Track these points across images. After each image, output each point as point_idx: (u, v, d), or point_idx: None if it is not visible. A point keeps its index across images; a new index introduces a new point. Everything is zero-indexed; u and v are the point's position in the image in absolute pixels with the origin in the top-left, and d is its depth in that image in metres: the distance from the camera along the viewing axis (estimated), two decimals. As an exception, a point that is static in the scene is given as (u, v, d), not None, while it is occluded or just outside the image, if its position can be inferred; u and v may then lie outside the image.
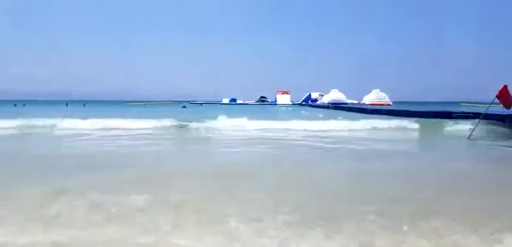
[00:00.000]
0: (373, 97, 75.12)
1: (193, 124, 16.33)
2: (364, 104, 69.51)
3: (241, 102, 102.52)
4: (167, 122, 16.47)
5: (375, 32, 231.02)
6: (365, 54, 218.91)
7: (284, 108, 66.50)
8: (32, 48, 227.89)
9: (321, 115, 30.28)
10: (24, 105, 63.75)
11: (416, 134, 15.01)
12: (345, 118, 20.64)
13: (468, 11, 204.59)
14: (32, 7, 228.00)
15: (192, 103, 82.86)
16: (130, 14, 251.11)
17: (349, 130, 15.61)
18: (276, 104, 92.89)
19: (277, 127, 16.22)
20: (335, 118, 20.39)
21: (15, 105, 61.57)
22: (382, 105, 61.91)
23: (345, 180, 6.41)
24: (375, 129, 15.86)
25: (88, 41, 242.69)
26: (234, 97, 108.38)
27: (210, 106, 70.52)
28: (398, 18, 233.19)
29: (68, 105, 59.03)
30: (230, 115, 19.93)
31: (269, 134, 14.00)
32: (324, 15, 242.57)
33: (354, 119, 18.86)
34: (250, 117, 18.03)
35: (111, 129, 15.07)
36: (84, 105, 62.84)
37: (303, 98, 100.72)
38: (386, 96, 76.35)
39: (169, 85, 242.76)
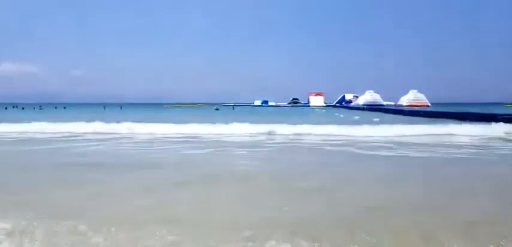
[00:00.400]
0: (410, 98, 72.42)
1: (229, 129, 15.41)
2: (401, 105, 67.35)
3: (273, 104, 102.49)
4: (207, 127, 15.86)
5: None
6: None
7: (318, 110, 65.46)
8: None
9: (356, 117, 29.59)
10: (64, 107, 66.39)
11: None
12: (403, 122, 18.38)
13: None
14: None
15: (225, 105, 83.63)
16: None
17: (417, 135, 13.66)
18: (309, 106, 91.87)
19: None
20: (403, 123, 17.64)
21: (55, 108, 64.35)
22: (420, 106, 59.88)
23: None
24: (431, 135, 13.78)
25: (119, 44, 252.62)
26: (266, 99, 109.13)
27: (243, 108, 70.90)
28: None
29: (106, 108, 60.70)
30: (268, 119, 19.60)
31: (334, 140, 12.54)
32: (360, 15, 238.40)
33: (403, 123, 17.15)
34: (294, 122, 17.26)
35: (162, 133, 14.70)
36: (120, 108, 64.39)
37: (336, 100, 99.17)
38: (424, 96, 73.63)
39: (203, 87, 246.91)
